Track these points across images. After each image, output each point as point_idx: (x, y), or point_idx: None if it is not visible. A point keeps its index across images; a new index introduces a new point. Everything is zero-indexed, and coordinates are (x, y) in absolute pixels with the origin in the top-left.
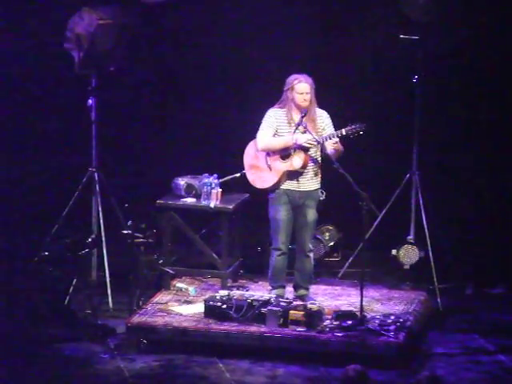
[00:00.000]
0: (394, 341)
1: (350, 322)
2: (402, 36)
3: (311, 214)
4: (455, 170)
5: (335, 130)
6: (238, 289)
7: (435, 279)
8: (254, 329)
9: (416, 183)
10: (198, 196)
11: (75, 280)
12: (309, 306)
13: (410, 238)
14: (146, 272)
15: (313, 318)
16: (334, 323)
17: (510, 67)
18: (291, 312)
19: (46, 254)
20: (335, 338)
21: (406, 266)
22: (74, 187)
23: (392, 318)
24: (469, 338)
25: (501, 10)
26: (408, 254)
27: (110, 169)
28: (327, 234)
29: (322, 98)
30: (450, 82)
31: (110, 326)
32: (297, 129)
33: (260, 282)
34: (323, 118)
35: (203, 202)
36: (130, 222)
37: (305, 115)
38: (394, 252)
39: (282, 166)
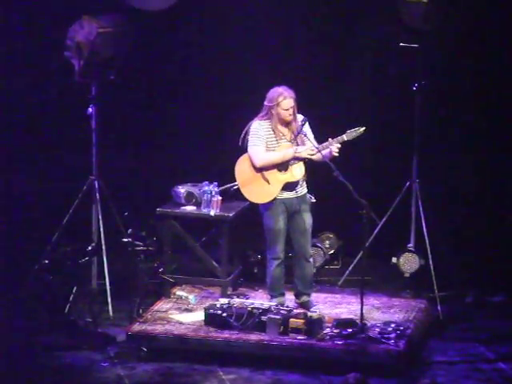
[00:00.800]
0: (395, 349)
1: (350, 330)
2: (401, 44)
3: (308, 218)
4: (455, 178)
5: (335, 137)
6: (238, 297)
7: (435, 287)
8: (254, 337)
9: (416, 191)
10: (198, 204)
11: (75, 288)
12: (309, 314)
13: (410, 246)
14: (146, 280)
15: (313, 325)
16: (335, 331)
17: (510, 76)
18: (291, 320)
19: (47, 262)
20: (335, 346)
21: (407, 274)
22: (74, 195)
23: (392, 326)
24: (469, 346)
25: (501, 19)
26: (408, 262)
27: (110, 177)
28: (327, 241)
29: (322, 106)
30: (450, 91)
31: (110, 334)
32: (296, 138)
33: (260, 290)
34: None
35: (203, 210)
36: (130, 230)
37: (305, 123)
38: (394, 260)
39: (282, 177)
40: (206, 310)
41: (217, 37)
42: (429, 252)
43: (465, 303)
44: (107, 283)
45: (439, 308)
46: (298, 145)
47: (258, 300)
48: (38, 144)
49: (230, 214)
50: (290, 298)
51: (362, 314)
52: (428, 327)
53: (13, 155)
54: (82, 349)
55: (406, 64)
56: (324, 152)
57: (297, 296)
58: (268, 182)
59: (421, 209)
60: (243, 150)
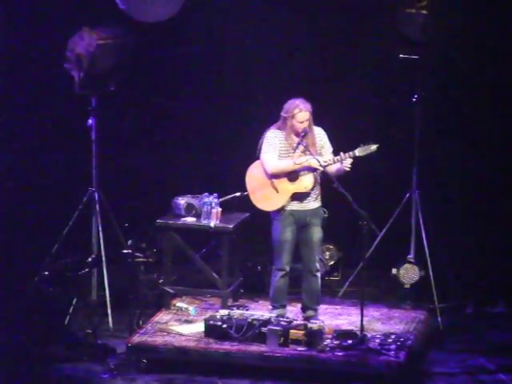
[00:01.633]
0: (395, 360)
1: (350, 342)
2: (401, 56)
3: (317, 233)
4: (455, 189)
5: (347, 151)
6: (238, 308)
7: (435, 298)
8: (254, 348)
9: (416, 202)
10: (198, 215)
11: (75, 300)
12: (309, 325)
13: (410, 257)
14: (146, 291)
15: (313, 337)
16: (335, 342)
17: (511, 86)
18: (291, 331)
19: (46, 273)
20: (336, 358)
21: (407, 285)
22: (74, 207)
23: (392, 337)
24: (469, 358)
25: (500, 29)
26: (408, 273)
27: (110, 188)
28: (327, 253)
29: (322, 117)
30: (449, 101)
31: (110, 345)
32: (297, 148)
33: (260, 302)
34: (321, 136)
35: (203, 222)
36: (130, 242)
37: (305, 134)
38: (394, 271)
39: (291, 187)
40: (206, 321)
41: (217, 49)
42: (429, 263)
43: (465, 314)
44: (107, 295)
45: (439, 319)
46: (311, 155)
47: (258, 311)
48: (38, 155)
49: (230, 226)
50: (294, 310)
51: (362, 325)
52: (428, 338)
53: (12, 167)
54: (82, 360)
55: (406, 75)
56: (335, 166)
57: (303, 310)
58: (277, 190)
59: (421, 220)
60: (256, 158)
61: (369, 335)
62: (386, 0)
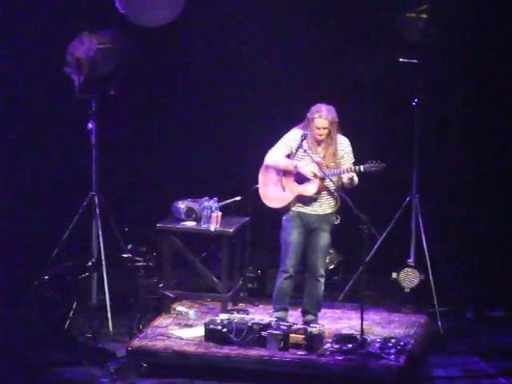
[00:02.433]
0: (395, 364)
1: (350, 346)
2: (401, 59)
3: (324, 238)
4: (455, 193)
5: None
6: (238, 312)
7: (436, 302)
8: (254, 352)
9: (416, 206)
10: (198, 219)
11: (75, 304)
12: (309, 329)
13: (411, 261)
14: (146, 296)
15: (313, 341)
16: (335, 346)
17: (510, 90)
18: (291, 335)
19: (47, 277)
20: (336, 362)
21: (407, 290)
22: (74, 211)
23: (393, 341)
24: (469, 361)
25: (501, 33)
26: (408, 277)
27: (110, 192)
28: (328, 257)
29: None
30: (449, 105)
31: (110, 349)
32: (297, 151)
33: (260, 306)
34: (343, 146)
35: (203, 226)
36: (130, 246)
37: (304, 138)
38: (394, 275)
39: (296, 189)
40: (206, 325)
41: (217, 52)
42: (429, 267)
43: (465, 318)
44: (107, 299)
45: (439, 323)
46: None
47: (258, 315)
48: (37, 159)
49: (230, 230)
50: (294, 314)
51: (362, 329)
52: (428, 342)
53: (13, 170)
54: (82, 364)
55: (406, 79)
56: (334, 178)
57: (303, 314)
58: (284, 189)
59: (421, 224)
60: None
61: (369, 339)
62: (386, 4)
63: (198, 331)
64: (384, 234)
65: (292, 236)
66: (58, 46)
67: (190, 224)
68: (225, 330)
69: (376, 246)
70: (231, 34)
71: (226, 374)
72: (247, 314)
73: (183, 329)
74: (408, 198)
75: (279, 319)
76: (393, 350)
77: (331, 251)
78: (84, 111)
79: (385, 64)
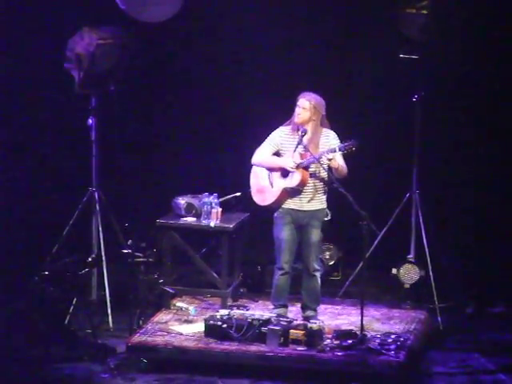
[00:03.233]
0: (395, 360)
1: (350, 341)
2: (401, 55)
3: (315, 234)
4: (455, 189)
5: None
6: (238, 308)
7: (435, 298)
8: (254, 348)
9: (416, 202)
10: (198, 215)
11: (75, 299)
12: (309, 325)
13: (411, 257)
14: (146, 291)
15: (313, 337)
16: (335, 342)
17: (511, 85)
18: (291, 331)
19: (47, 273)
20: (336, 358)
21: (407, 285)
22: (74, 207)
23: (392, 337)
24: (469, 357)
25: (501, 29)
26: (408, 273)
27: (110, 188)
28: (328, 252)
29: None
30: (449, 101)
31: (110, 345)
32: (297, 147)
33: (260, 301)
34: (330, 138)
35: (203, 222)
36: (130, 242)
37: (304, 134)
38: (394, 271)
39: (281, 183)
40: (206, 321)
41: (218, 48)
42: (429, 263)
43: (465, 314)
44: (107, 294)
45: (439, 319)
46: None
47: (258, 311)
48: (37, 155)
49: (230, 226)
50: (295, 310)
51: (362, 325)
52: (428, 338)
53: (13, 167)
54: (82, 360)
55: (406, 75)
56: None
57: (302, 309)
58: (272, 185)
59: (421, 220)
60: None
61: (369, 335)
62: (387, 0)
63: (198, 327)
64: (384, 230)
65: (284, 232)
66: (57, 41)
67: (190, 220)
68: (225, 325)
69: (376, 242)
70: (235, 27)
71: (226, 370)
72: (247, 309)
73: (183, 324)
74: (408, 194)
75: (279, 315)
76: (393, 346)
77: (331, 247)
78: (84, 107)
79: (385, 60)
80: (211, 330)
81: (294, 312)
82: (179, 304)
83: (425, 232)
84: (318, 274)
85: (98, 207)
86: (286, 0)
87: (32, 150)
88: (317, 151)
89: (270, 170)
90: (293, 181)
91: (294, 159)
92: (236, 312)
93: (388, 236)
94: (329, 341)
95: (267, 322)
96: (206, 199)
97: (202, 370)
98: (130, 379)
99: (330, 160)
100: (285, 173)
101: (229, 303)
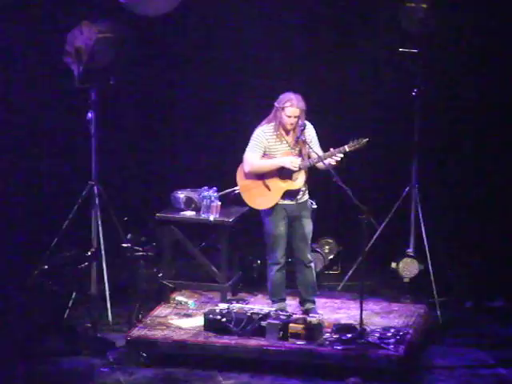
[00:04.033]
0: (394, 354)
1: (349, 335)
2: (401, 49)
3: (308, 224)
4: (454, 183)
5: (337, 147)
6: (237, 302)
7: (435, 292)
8: (253, 342)
9: (415, 196)
10: (197, 209)
11: (75, 293)
12: (308, 319)
13: (410, 251)
14: (145, 285)
15: (312, 331)
16: (334, 336)
17: (511, 80)
18: (291, 325)
19: (46, 267)
20: (335, 352)
21: (406, 279)
22: (74, 200)
23: (392, 331)
24: (469, 351)
25: (501, 23)
26: (408, 267)
27: (110, 182)
28: (327, 246)
29: (321, 111)
30: (449, 95)
31: (110, 339)
32: (296, 142)
33: (259, 295)
34: (309, 130)
35: (203, 216)
36: (129, 236)
37: (304, 128)
38: (393, 265)
39: (282, 185)
40: (205, 315)
41: (217, 42)
42: (428, 257)
43: (464, 308)
44: (106, 288)
45: (439, 313)
46: (300, 151)
47: (258, 305)
48: (37, 149)
49: (230, 220)
50: (293, 304)
51: (361, 319)
52: (427, 332)
53: (12, 160)
54: (82, 354)
55: (406, 69)
56: (326, 161)
57: (301, 303)
58: (269, 188)
59: (420, 214)
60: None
61: (368, 329)
62: None
63: (198, 321)
64: (383, 224)
65: (279, 228)
66: (57, 35)
67: (190, 214)
68: (224, 319)
69: (375, 236)
70: (234, 21)
71: (225, 364)
72: (246, 303)
73: (182, 318)
74: (407, 188)
75: (279, 310)
76: (392, 340)
77: (330, 241)
78: (83, 101)
79: (385, 54)
80: (210, 324)
81: (293, 306)
82: (179, 298)
83: (424, 226)
84: (312, 265)
85: (97, 201)
86: None
87: (31, 143)
88: (304, 146)
89: (264, 173)
90: (296, 183)
91: (297, 160)
92: (235, 306)
93: (387, 230)
94: (328, 335)
95: (266, 315)
96: (205, 193)
97: (201, 364)
98: (130, 373)
99: (337, 161)
100: (284, 175)
101: (228, 297)
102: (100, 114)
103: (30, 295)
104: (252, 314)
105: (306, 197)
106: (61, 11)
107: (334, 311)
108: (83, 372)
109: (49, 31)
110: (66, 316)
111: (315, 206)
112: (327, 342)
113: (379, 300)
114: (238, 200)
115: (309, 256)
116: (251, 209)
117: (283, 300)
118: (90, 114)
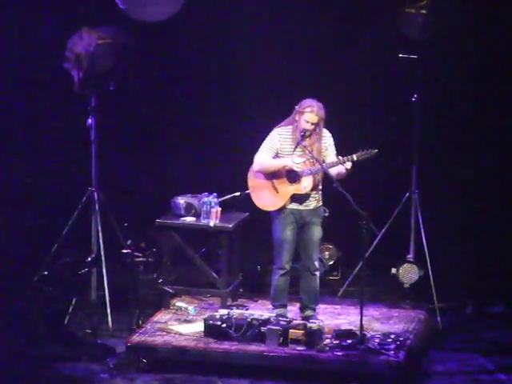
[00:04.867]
0: (394, 360)
1: (349, 341)
2: (401, 55)
3: (317, 232)
4: (455, 189)
5: (345, 155)
6: (237, 308)
7: (435, 298)
8: (253, 348)
9: (415, 202)
10: (197, 215)
11: (75, 299)
12: (309, 324)
13: (410, 256)
14: (145, 291)
15: (313, 336)
16: (334, 342)
17: (510, 85)
18: (291, 331)
19: (46, 273)
20: (335, 357)
21: (406, 285)
22: (74, 206)
23: (392, 336)
24: (469, 357)
25: (500, 29)
26: (408, 273)
27: (110, 188)
28: (327, 252)
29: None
30: (449, 101)
31: (110, 345)
32: (296, 148)
33: (260, 301)
34: (326, 138)
35: (203, 221)
36: (129, 241)
37: (304, 134)
38: (393, 271)
39: (290, 188)
40: (205, 320)
41: (217, 48)
42: (428, 263)
43: (464, 314)
44: (107, 294)
45: (439, 319)
46: (313, 158)
47: (258, 311)
48: (37, 155)
49: (230, 225)
50: (294, 310)
51: (361, 324)
52: (427, 338)
53: (12, 166)
54: (82, 360)
55: (406, 75)
56: (335, 170)
57: (301, 309)
58: (277, 191)
59: (420, 220)
60: None
61: (368, 335)
62: (386, 0)
63: (198, 327)
64: (383, 230)
65: (286, 233)
66: (57, 41)
67: (190, 219)
68: (224, 325)
69: (375, 242)
70: (234, 27)
71: (226, 370)
72: (246, 309)
73: (182, 324)
74: (407, 194)
75: (280, 315)
76: (392, 346)
77: (330, 247)
78: (83, 107)
79: (384, 59)
80: (211, 330)
81: (293, 312)
82: (179, 304)
83: (424, 232)
84: (318, 274)
85: (97, 207)
86: (285, 0)
87: (31, 149)
88: (319, 154)
89: (273, 174)
90: (303, 187)
91: (298, 160)
92: (235, 312)
93: (387, 236)
94: (328, 340)
95: (267, 321)
96: (205, 199)
97: (201, 370)
98: (130, 379)
99: (347, 170)
100: (292, 178)
101: (228, 303)
102: (100, 120)
103: (30, 301)
104: (252, 319)
105: (318, 204)
106: (61, 17)
107: (334, 317)
108: (83, 378)
109: (49, 37)
110: (66, 322)
111: (327, 214)
112: (327, 348)
113: (379, 306)
114: (238, 206)
115: (316, 264)
116: (251, 214)
117: (284, 306)
118: (89, 120)
